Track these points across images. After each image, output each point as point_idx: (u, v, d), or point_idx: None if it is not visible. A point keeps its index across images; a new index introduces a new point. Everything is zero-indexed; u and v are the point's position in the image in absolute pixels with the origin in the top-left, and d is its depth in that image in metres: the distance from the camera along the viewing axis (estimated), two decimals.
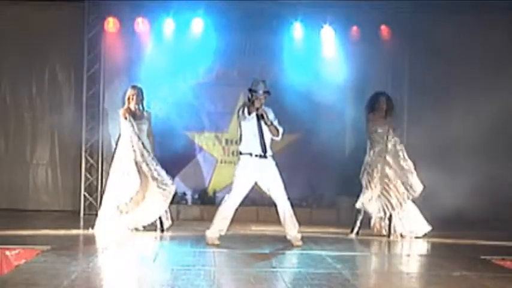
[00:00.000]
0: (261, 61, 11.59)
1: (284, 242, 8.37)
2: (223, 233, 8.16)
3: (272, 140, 8.19)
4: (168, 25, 11.23)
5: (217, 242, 8.07)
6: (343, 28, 11.35)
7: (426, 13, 10.94)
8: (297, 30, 11.37)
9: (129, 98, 9.05)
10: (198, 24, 11.23)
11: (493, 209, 10.93)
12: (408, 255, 8.28)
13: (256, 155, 8.06)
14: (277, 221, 8.32)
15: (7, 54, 11.55)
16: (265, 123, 8.07)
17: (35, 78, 11.71)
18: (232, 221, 8.20)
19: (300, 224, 8.27)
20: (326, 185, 11.19)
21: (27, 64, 11.58)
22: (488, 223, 10.46)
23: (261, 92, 8.02)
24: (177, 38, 11.30)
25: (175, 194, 9.42)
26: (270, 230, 9.45)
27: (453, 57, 11.18)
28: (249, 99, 8.14)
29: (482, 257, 7.49)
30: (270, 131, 8.13)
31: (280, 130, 8.16)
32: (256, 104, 8.00)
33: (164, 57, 11.22)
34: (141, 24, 11.21)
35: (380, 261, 7.84)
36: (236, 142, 11.48)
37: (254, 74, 11.45)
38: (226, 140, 11.63)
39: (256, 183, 8.20)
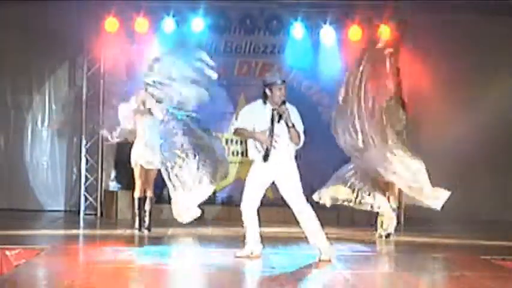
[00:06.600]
0: (261, 61, 11.60)
1: (284, 242, 8.37)
2: (260, 244, 7.22)
3: (291, 144, 6.91)
4: (168, 25, 11.22)
5: (259, 253, 7.17)
6: (343, 28, 11.35)
7: (426, 13, 10.93)
8: (297, 30, 11.36)
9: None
10: (198, 24, 11.22)
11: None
12: (408, 255, 8.27)
13: (264, 159, 6.83)
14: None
15: (7, 54, 11.55)
16: (286, 124, 6.80)
17: (35, 78, 11.71)
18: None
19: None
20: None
21: (27, 64, 11.58)
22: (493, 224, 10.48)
23: (279, 81, 6.84)
24: (177, 37, 11.28)
25: None
26: (269, 230, 9.45)
27: (454, 57, 11.17)
28: (265, 97, 6.88)
29: (482, 257, 7.49)
30: (290, 134, 6.85)
31: (302, 137, 6.90)
32: (277, 97, 6.76)
33: (164, 56, 11.20)
34: (141, 24, 11.21)
35: (380, 260, 7.83)
36: (236, 142, 11.55)
37: (254, 74, 11.54)
38: (226, 140, 11.58)
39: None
